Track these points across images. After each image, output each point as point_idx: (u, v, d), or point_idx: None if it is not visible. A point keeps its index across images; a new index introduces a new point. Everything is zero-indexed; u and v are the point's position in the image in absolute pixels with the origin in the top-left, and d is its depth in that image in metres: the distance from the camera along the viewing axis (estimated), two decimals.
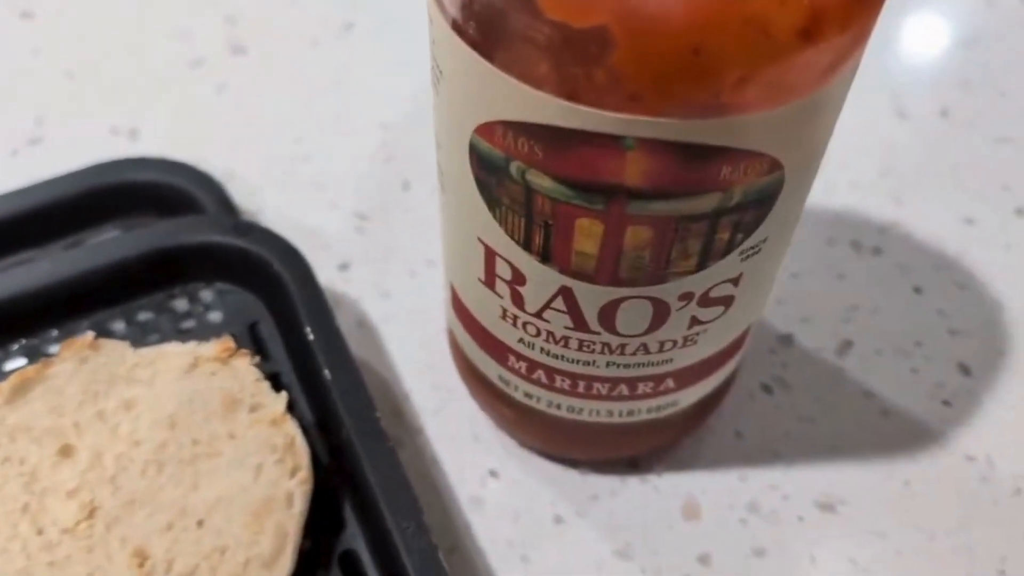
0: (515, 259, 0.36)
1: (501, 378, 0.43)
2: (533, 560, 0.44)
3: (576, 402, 0.41)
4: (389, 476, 0.40)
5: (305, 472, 0.40)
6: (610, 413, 0.42)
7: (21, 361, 0.46)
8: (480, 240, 0.37)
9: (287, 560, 0.39)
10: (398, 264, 0.55)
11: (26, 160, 0.59)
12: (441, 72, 0.33)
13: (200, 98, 0.62)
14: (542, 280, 0.36)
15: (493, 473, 0.47)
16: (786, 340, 0.52)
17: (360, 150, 0.60)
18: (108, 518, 0.40)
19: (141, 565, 0.38)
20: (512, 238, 0.35)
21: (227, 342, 0.44)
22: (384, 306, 0.53)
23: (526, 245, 0.35)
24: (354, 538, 0.42)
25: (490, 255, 0.37)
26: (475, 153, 0.33)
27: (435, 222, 0.57)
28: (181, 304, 0.49)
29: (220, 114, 0.62)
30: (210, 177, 0.54)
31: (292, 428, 0.41)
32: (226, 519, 0.39)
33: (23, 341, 0.47)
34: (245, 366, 0.43)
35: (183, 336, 0.47)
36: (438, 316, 0.52)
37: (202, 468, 0.41)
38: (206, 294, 0.49)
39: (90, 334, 0.44)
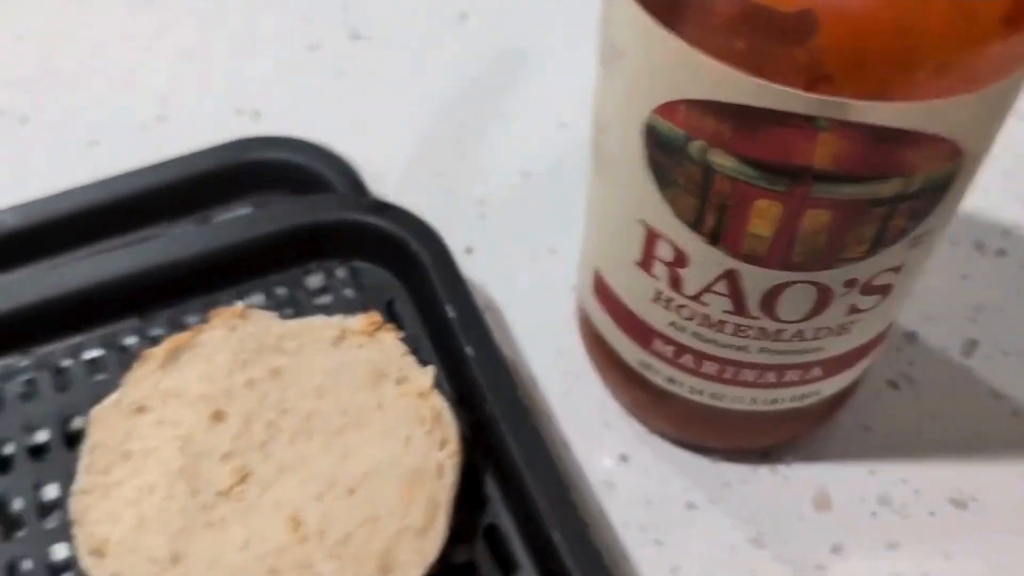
0: (680, 240, 0.36)
1: (642, 363, 0.43)
2: (667, 544, 0.45)
3: (721, 388, 0.42)
4: (534, 452, 0.41)
5: (454, 444, 0.41)
6: (753, 401, 0.42)
7: (163, 330, 0.47)
8: (642, 222, 0.37)
9: (439, 530, 0.39)
10: (520, 251, 0.56)
11: (154, 135, 0.61)
12: (619, 51, 0.34)
13: (319, 82, 0.64)
14: (707, 262, 0.36)
15: (624, 458, 0.47)
16: (911, 337, 0.52)
17: (478, 138, 0.61)
18: (261, 483, 0.41)
19: (296, 530, 0.39)
20: (681, 219, 0.35)
21: (374, 316, 0.45)
22: (508, 291, 0.53)
23: (695, 226, 0.35)
24: (498, 513, 0.42)
25: (651, 237, 0.37)
26: (652, 133, 0.33)
27: (555, 210, 0.58)
28: (317, 280, 0.50)
29: (339, 98, 0.63)
30: (341, 158, 0.55)
31: (439, 401, 0.42)
32: (377, 489, 0.40)
33: (166, 311, 0.48)
34: (391, 340, 0.44)
35: (319, 312, 0.48)
36: (561, 302, 0.53)
37: (351, 438, 0.42)
38: (341, 271, 0.50)
39: (240, 304, 0.45)
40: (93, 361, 0.46)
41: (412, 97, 0.63)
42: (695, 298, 0.38)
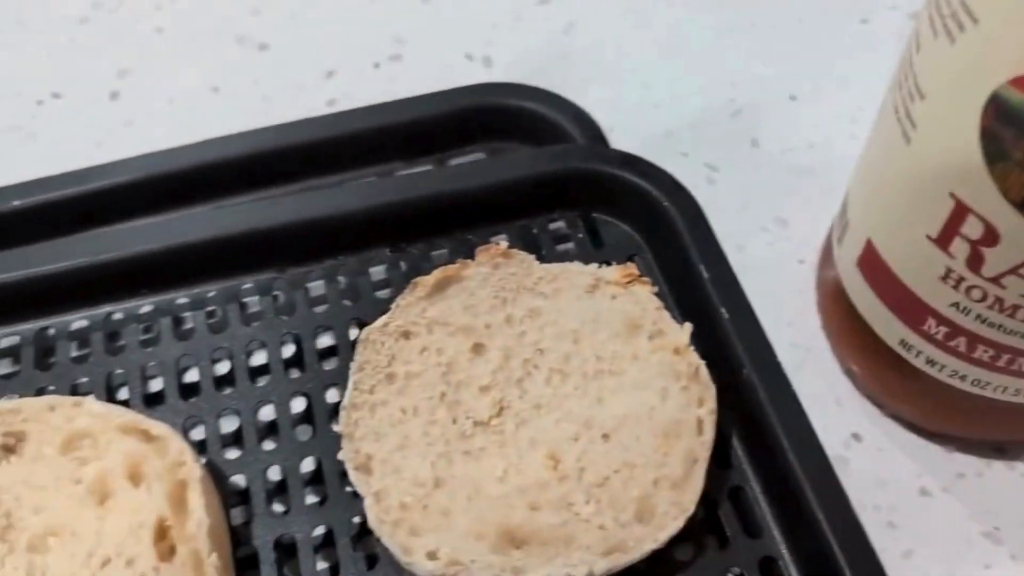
0: (997, 218, 0.35)
1: (903, 342, 0.42)
2: (900, 527, 0.44)
3: (989, 375, 0.41)
4: (794, 420, 0.41)
5: (712, 403, 0.41)
6: (1016, 392, 0.41)
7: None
8: (953, 195, 0.36)
9: (697, 485, 0.39)
10: (750, 219, 0.55)
11: (387, 73, 0.62)
12: (971, 18, 0.33)
13: (550, 34, 0.64)
14: (1021, 243, 0.35)
15: (856, 437, 0.47)
16: None
17: (709, 102, 0.60)
18: (517, 418, 0.41)
19: (555, 468, 0.40)
20: (1006, 196, 0.34)
21: (630, 268, 0.45)
22: (738, 259, 0.52)
23: (1022, 204, 0.34)
24: (744, 476, 0.42)
25: (959, 212, 0.36)
26: (998, 104, 0.32)
27: (786, 180, 0.57)
28: (560, 228, 0.50)
29: (569, 52, 0.63)
30: (583, 111, 0.55)
31: (696, 359, 0.42)
32: (633, 436, 0.40)
33: (421, 244, 0.49)
34: (646, 293, 0.44)
35: (558, 260, 0.48)
36: (791, 274, 0.52)
37: (606, 384, 0.42)
38: (583, 222, 0.50)
39: (504, 243, 0.45)
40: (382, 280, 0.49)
41: (642, 58, 0.62)
42: (994, 280, 0.37)
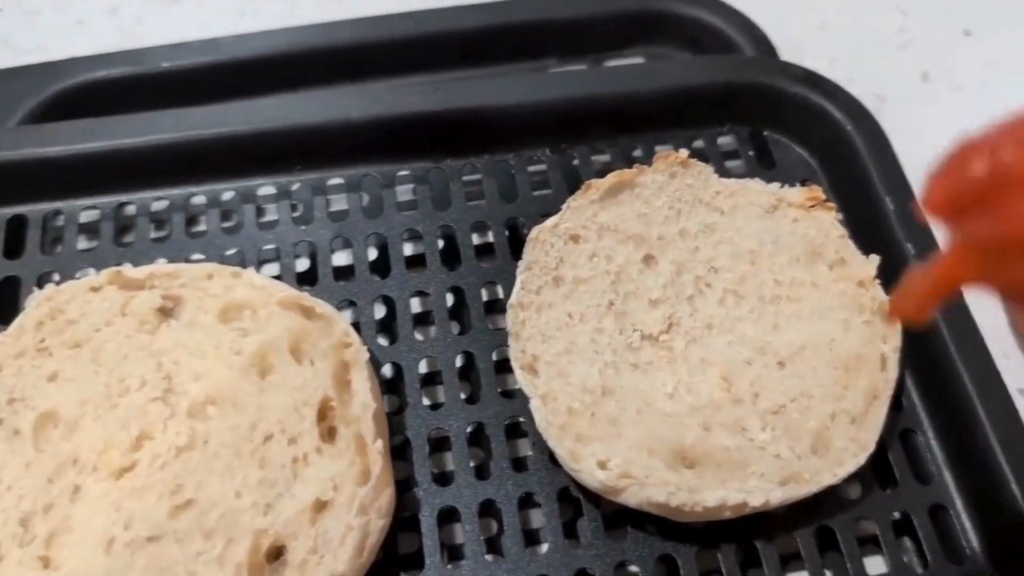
0: None
1: None
2: None
3: None
4: (980, 364, 0.39)
5: (898, 340, 0.39)
6: None
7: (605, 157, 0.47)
8: None
9: (877, 422, 0.38)
10: (919, 157, 0.52)
11: None
12: None
13: None
14: None
15: (1023, 392, 0.45)
16: None
17: (878, 29, 0.57)
18: (687, 336, 0.39)
19: (728, 391, 0.38)
20: None
21: (815, 191, 0.42)
22: None
23: None
24: (916, 419, 0.40)
25: None
26: None
27: (956, 119, 0.53)
28: (728, 144, 0.48)
29: None
30: (754, 22, 0.52)
31: (881, 293, 0.40)
32: (810, 367, 0.39)
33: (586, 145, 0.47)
34: (830, 219, 0.42)
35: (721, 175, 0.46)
36: None
37: (783, 310, 0.40)
38: (755, 140, 0.47)
39: (684, 151, 0.43)
40: (538, 176, 0.47)
41: None
42: None
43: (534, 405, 0.38)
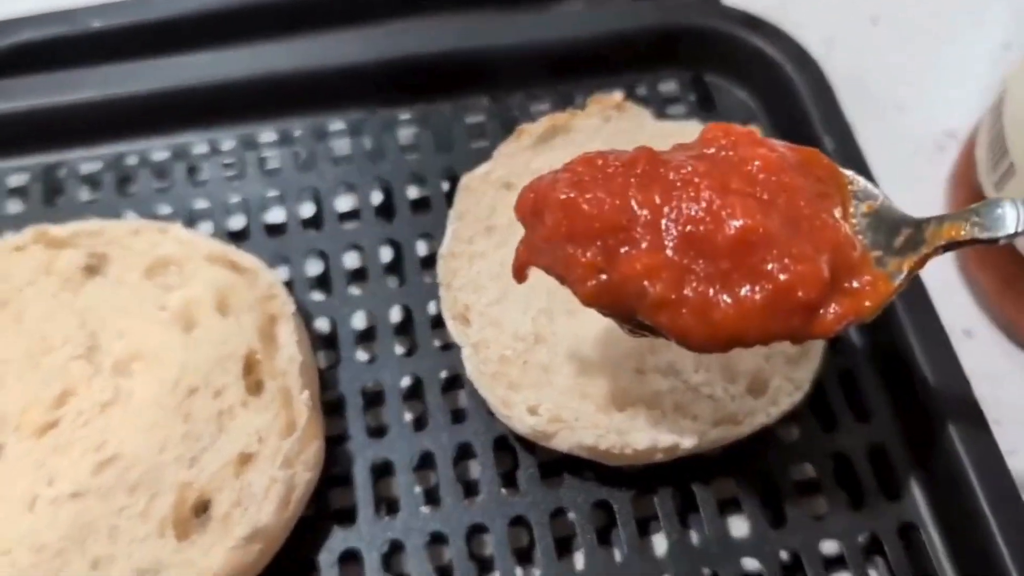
0: None
1: None
2: (1004, 425, 0.42)
3: None
4: (919, 305, 0.38)
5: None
6: None
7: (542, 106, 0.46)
8: None
9: (813, 362, 0.37)
10: (869, 101, 0.51)
11: None
12: None
13: None
14: None
15: (968, 333, 0.44)
16: None
17: None
18: None
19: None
20: None
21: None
22: None
23: None
24: (854, 359, 0.40)
25: None
26: None
27: (905, 64, 0.53)
28: (669, 90, 0.47)
29: None
30: None
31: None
32: None
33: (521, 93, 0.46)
34: None
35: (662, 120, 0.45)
36: (915, 166, 0.49)
37: None
38: (696, 84, 0.47)
39: (619, 94, 0.42)
40: (475, 126, 0.46)
41: None
42: None
43: (466, 354, 0.37)
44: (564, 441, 0.35)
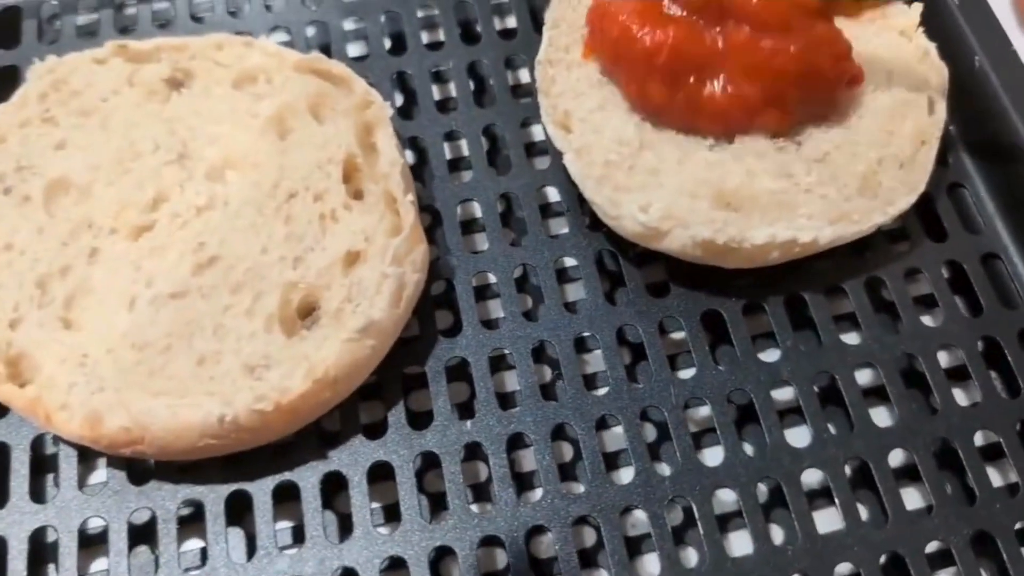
0: None
1: None
2: None
3: None
4: None
5: (945, 83, 0.37)
6: None
7: None
8: None
9: (927, 164, 0.36)
10: None
11: None
12: None
13: None
14: None
15: None
16: None
17: None
18: None
19: (771, 139, 0.36)
20: None
21: None
22: None
23: None
24: (964, 173, 0.39)
25: None
26: None
27: None
28: None
29: None
30: None
31: (925, 40, 0.38)
32: (855, 116, 0.37)
33: None
34: None
35: None
36: None
37: None
38: None
39: None
40: None
41: None
42: None
43: (568, 160, 0.36)
44: (677, 239, 0.34)
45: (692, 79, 0.35)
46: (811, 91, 0.35)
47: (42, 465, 0.34)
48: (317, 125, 0.36)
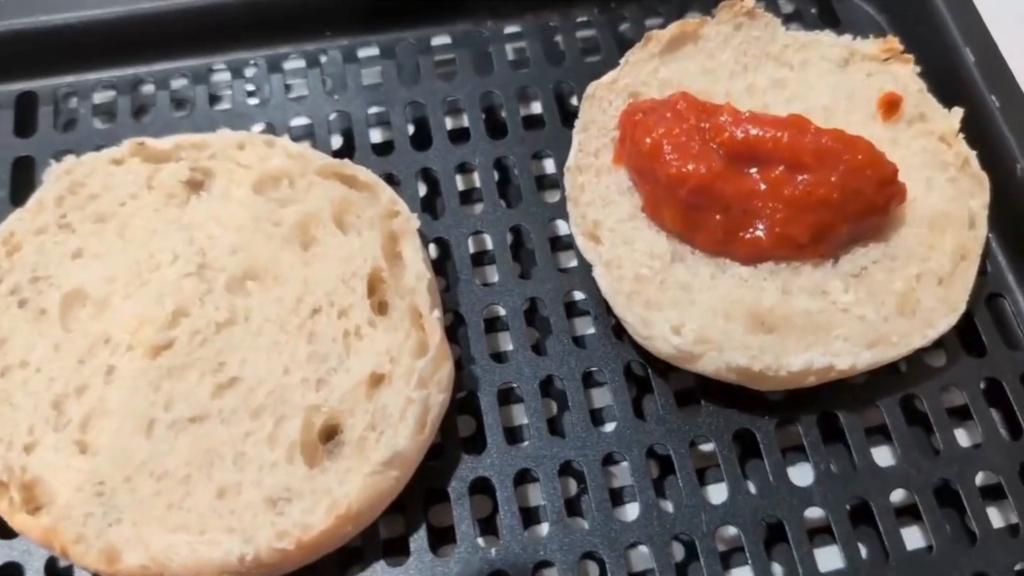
0: None
1: None
2: None
3: None
4: None
5: (986, 196, 0.36)
6: None
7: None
8: None
9: (967, 282, 0.35)
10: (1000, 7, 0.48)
11: None
12: None
13: None
14: None
15: None
16: None
17: None
18: None
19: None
20: None
21: (891, 42, 0.39)
22: None
23: None
24: (1003, 283, 0.38)
25: None
26: None
27: None
28: (787, 3, 0.44)
29: None
30: None
31: (965, 148, 0.37)
32: (892, 228, 0.36)
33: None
34: (908, 73, 0.39)
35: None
36: None
37: None
38: None
39: (749, 0, 0.39)
40: (587, 39, 0.43)
41: None
42: None
43: (598, 272, 0.35)
44: (711, 363, 0.33)
45: (718, 216, 0.34)
46: (859, 220, 0.34)
47: None
48: (342, 235, 0.35)
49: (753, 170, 0.34)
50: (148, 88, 0.42)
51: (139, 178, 0.36)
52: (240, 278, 0.34)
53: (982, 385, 0.36)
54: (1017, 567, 0.33)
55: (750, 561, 0.33)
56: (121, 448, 0.31)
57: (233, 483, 0.31)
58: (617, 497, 0.36)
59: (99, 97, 0.42)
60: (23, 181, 0.39)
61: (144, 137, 0.37)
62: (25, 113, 0.41)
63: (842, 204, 0.33)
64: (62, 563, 0.33)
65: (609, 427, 0.35)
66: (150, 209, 0.36)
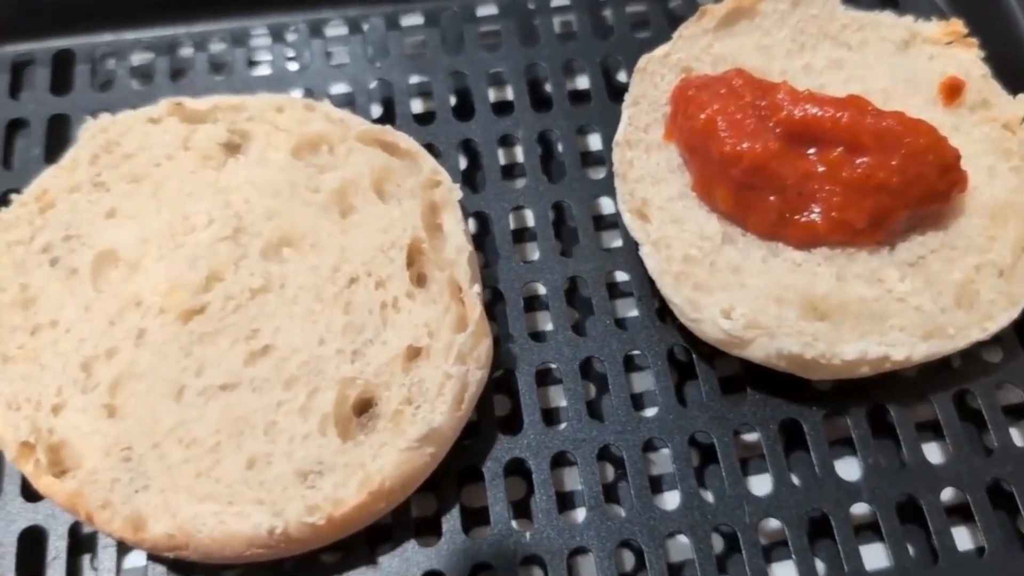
0: None
1: None
2: None
3: None
4: None
5: None
6: None
7: None
8: None
9: None
10: None
11: None
12: None
13: None
14: None
15: None
16: None
17: None
18: None
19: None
20: None
21: (955, 25, 0.37)
22: None
23: None
24: None
25: None
26: None
27: None
28: None
29: None
30: None
31: None
32: (952, 217, 0.34)
33: None
34: (971, 57, 0.37)
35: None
36: None
37: None
38: None
39: None
40: (636, 14, 0.42)
41: None
42: None
43: (645, 252, 0.34)
44: (761, 349, 0.32)
45: (772, 198, 0.33)
46: (918, 207, 0.33)
47: (80, 546, 0.33)
48: (381, 204, 0.34)
49: (810, 151, 0.33)
50: (186, 51, 0.41)
51: (175, 138, 0.35)
52: (276, 244, 0.33)
53: None
54: None
55: (794, 556, 0.32)
56: (150, 413, 0.31)
57: (263, 454, 0.30)
58: (656, 485, 0.35)
59: (136, 59, 0.41)
60: (58, 139, 0.38)
61: (182, 97, 0.36)
62: (62, 71, 0.40)
63: (902, 189, 0.32)
64: (86, 529, 0.33)
65: (650, 412, 0.34)
66: (186, 170, 0.35)
